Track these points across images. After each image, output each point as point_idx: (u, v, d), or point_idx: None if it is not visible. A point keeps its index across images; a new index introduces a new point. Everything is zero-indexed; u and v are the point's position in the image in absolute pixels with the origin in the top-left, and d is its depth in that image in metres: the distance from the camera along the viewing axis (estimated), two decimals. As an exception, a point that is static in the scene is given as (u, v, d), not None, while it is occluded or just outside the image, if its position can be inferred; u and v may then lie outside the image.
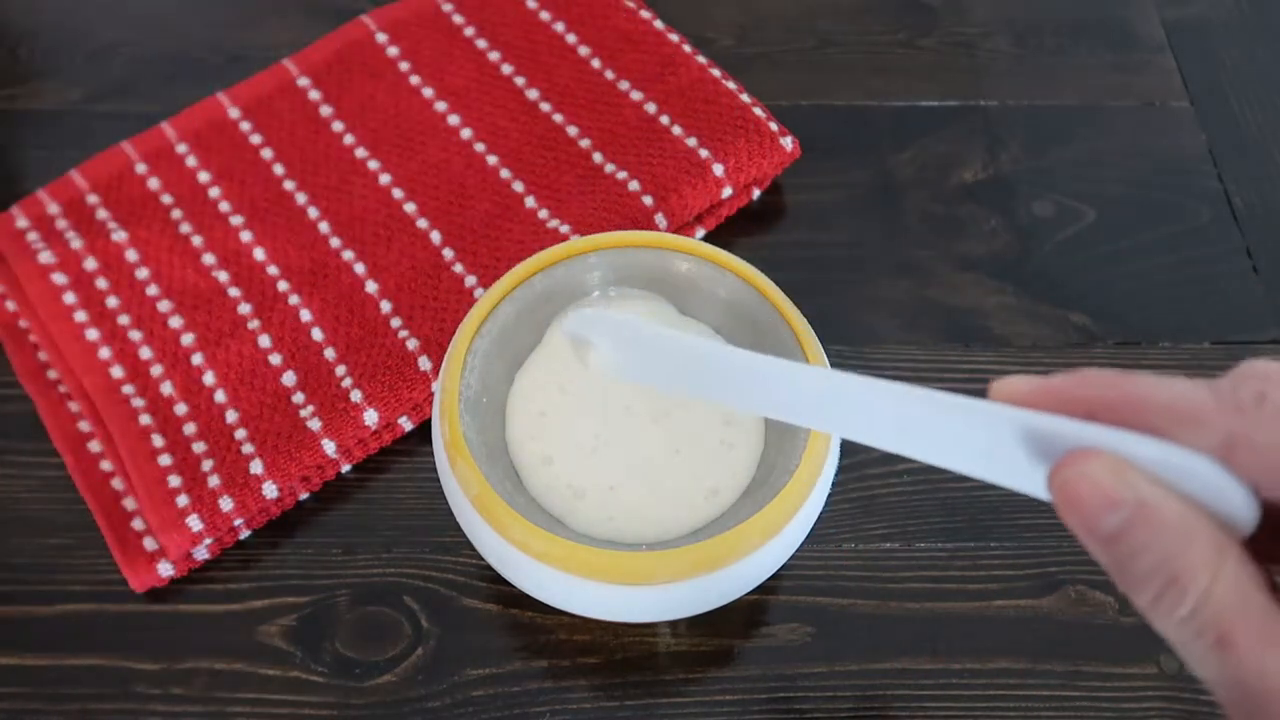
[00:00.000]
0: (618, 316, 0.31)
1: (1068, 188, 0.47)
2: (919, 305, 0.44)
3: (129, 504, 0.39)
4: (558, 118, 0.47)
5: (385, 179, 0.45)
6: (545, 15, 0.50)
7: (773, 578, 0.34)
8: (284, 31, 0.51)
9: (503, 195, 0.45)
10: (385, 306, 0.42)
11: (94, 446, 0.40)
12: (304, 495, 0.39)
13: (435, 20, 0.50)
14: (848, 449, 0.38)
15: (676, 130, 0.45)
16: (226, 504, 0.37)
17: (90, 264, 0.43)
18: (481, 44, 0.49)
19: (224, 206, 0.45)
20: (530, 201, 0.44)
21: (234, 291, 0.43)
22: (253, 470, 0.38)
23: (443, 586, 0.38)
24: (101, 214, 0.45)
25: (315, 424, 0.39)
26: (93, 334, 0.41)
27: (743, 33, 0.52)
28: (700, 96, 0.46)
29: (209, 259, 0.43)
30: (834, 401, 0.26)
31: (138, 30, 0.52)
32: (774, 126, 0.45)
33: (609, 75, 0.48)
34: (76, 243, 0.43)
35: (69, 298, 0.42)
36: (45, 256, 0.43)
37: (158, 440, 0.39)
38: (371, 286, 0.42)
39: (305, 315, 0.42)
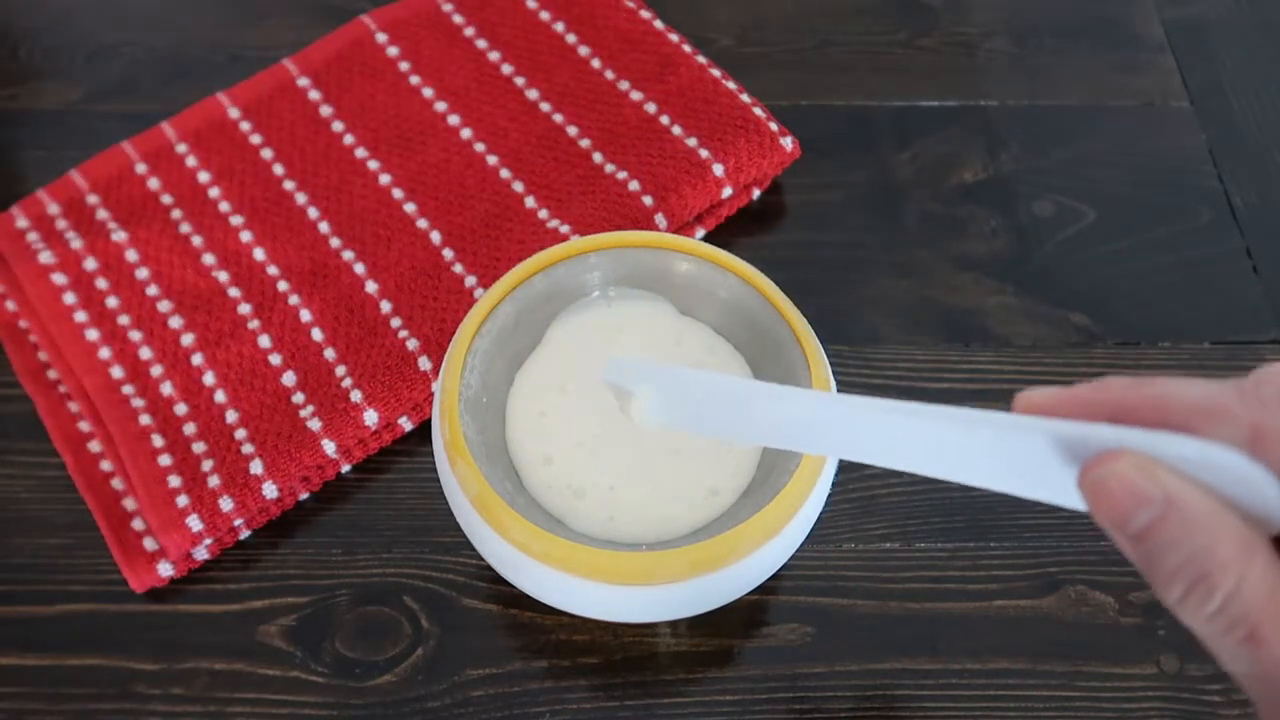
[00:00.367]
0: (661, 366, 0.31)
1: (1068, 188, 0.47)
2: (919, 305, 0.44)
3: (129, 504, 0.39)
4: (558, 118, 0.47)
5: (385, 179, 0.45)
6: (545, 15, 0.50)
7: (773, 578, 0.34)
8: (284, 31, 0.51)
9: (503, 195, 0.45)
10: (385, 307, 0.42)
11: (94, 446, 0.40)
12: (304, 495, 0.39)
13: (435, 20, 0.50)
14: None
15: (676, 130, 0.45)
16: (226, 504, 0.37)
17: (90, 264, 0.43)
18: (481, 44, 0.49)
19: (224, 206, 0.45)
20: (530, 201, 0.44)
21: (234, 291, 0.43)
22: (253, 470, 0.38)
23: (443, 586, 0.38)
24: (101, 214, 0.45)
25: (315, 424, 0.39)
26: (93, 334, 0.41)
27: (743, 33, 0.52)
28: (700, 96, 0.46)
29: (209, 259, 0.43)
30: (889, 436, 0.26)
31: (138, 30, 0.52)
32: (774, 126, 0.45)
33: (609, 75, 0.48)
34: (76, 243, 0.43)
35: (69, 298, 0.42)
36: (45, 256, 0.43)
37: (158, 440, 0.39)
38: (371, 287, 0.42)
39: (305, 315, 0.42)
